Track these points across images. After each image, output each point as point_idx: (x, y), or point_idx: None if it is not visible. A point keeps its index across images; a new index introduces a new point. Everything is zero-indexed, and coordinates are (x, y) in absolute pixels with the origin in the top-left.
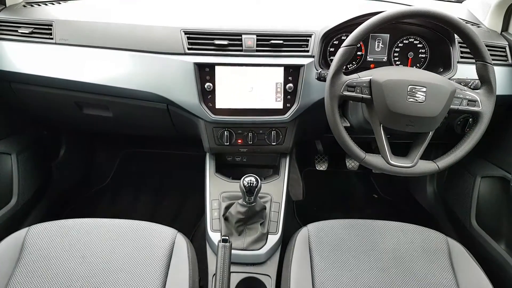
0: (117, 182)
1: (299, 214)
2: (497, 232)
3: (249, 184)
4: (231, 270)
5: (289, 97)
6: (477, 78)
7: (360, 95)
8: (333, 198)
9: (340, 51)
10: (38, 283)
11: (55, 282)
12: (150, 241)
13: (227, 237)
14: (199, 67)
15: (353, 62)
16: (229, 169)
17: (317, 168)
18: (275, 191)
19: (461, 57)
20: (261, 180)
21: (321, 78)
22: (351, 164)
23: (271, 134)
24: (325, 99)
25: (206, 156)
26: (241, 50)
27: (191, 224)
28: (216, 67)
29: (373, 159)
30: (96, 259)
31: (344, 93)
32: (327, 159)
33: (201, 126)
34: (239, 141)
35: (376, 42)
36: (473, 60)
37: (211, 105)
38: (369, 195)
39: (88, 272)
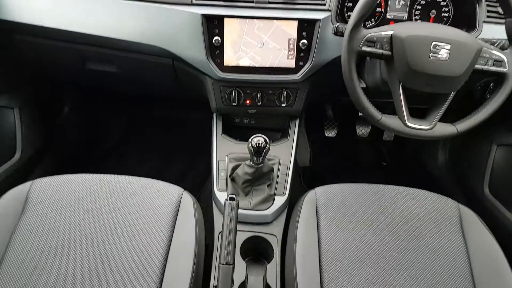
0: (123, 143)
1: (305, 180)
2: (511, 201)
3: (257, 145)
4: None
5: (302, 54)
6: (504, 38)
7: (380, 51)
8: (340, 165)
9: (361, 2)
10: (42, 236)
11: (59, 236)
12: (156, 197)
13: (234, 196)
14: (207, 19)
15: (372, 19)
16: (236, 131)
17: (326, 134)
18: (284, 154)
19: (487, 17)
20: None
21: (339, 33)
22: (361, 131)
23: (281, 95)
24: (342, 55)
25: (213, 117)
26: (252, 2)
27: (197, 186)
28: (225, 20)
29: (390, 121)
30: (101, 213)
31: (363, 48)
32: (336, 125)
33: (208, 84)
34: (248, 101)
35: None
36: (500, 21)
37: (219, 61)
38: (378, 163)
39: (92, 227)
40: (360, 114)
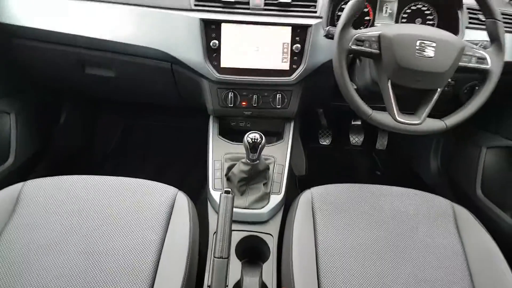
0: (119, 152)
1: (302, 189)
2: (503, 201)
3: (253, 141)
4: (232, 229)
5: (295, 58)
6: (486, 40)
7: (369, 49)
8: (335, 174)
9: (349, 4)
10: (31, 236)
11: (50, 235)
12: (150, 197)
13: (229, 189)
14: (205, 23)
15: (361, 27)
16: (232, 135)
17: (320, 142)
18: (279, 154)
19: (469, 23)
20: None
21: (329, 35)
22: (354, 139)
23: (276, 97)
24: (333, 54)
25: (210, 119)
26: (248, 8)
27: (194, 193)
28: (222, 25)
29: (380, 116)
30: (93, 213)
31: (352, 47)
32: (331, 133)
33: (205, 86)
34: (243, 103)
35: (384, 8)
36: (481, 27)
37: (216, 63)
38: (372, 172)
39: (83, 226)
40: (352, 122)
